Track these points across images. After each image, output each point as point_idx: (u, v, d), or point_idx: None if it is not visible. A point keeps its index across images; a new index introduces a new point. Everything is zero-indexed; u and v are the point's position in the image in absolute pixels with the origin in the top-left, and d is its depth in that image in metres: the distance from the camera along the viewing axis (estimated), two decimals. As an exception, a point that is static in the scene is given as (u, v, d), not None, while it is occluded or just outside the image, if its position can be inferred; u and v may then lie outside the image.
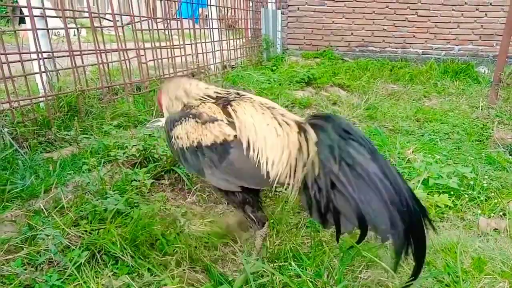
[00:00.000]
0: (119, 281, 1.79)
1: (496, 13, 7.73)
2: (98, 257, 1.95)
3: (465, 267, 1.83)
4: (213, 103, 1.93)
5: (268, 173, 1.73)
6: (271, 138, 1.76)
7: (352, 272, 1.82)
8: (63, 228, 2.06)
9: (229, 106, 1.89)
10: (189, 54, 5.67)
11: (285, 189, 1.74)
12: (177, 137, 1.88)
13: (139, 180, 2.62)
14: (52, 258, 1.88)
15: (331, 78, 6.74)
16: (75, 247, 1.97)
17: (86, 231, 2.08)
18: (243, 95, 2.02)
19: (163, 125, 2.07)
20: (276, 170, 1.73)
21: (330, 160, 1.58)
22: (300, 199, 1.73)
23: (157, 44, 5.07)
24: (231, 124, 1.81)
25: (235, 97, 1.99)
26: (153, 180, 2.75)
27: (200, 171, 1.86)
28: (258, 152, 1.75)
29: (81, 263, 1.85)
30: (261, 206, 1.95)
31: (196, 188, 2.71)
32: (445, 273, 1.80)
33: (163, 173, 2.91)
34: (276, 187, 1.87)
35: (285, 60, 8.11)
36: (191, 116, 1.88)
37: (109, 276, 1.82)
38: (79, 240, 2.04)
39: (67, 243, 1.99)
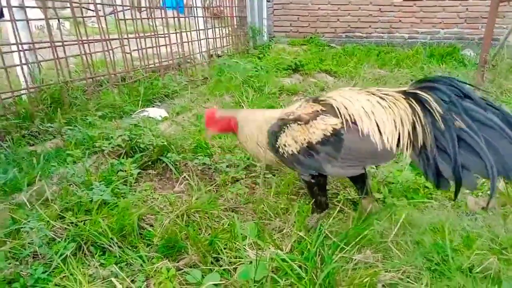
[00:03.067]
0: (107, 270, 1.76)
1: (481, -5, 7.75)
2: (85, 248, 1.92)
3: (454, 245, 1.83)
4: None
5: (386, 143, 1.75)
6: (378, 110, 1.79)
7: (343, 255, 1.81)
8: (48, 221, 2.02)
9: (321, 98, 1.96)
10: (174, 43, 5.59)
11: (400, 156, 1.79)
12: (284, 145, 1.92)
13: (125, 171, 2.58)
14: (37, 251, 1.85)
15: (318, 64, 6.71)
16: (61, 239, 1.93)
17: (72, 222, 2.05)
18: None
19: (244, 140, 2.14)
20: (393, 138, 1.75)
21: (453, 117, 1.61)
22: (416, 163, 1.75)
23: (141, 34, 4.99)
24: (330, 109, 1.85)
25: (319, 97, 2.02)
26: (140, 170, 2.72)
27: (319, 168, 1.86)
28: (370, 126, 1.77)
29: (67, 255, 1.82)
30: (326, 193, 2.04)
31: (184, 177, 2.68)
32: (435, 252, 1.81)
33: (150, 163, 2.88)
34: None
35: (271, 47, 8.05)
36: (291, 122, 1.92)
37: (96, 267, 1.79)
38: (65, 232, 2.00)
39: (52, 235, 1.95)
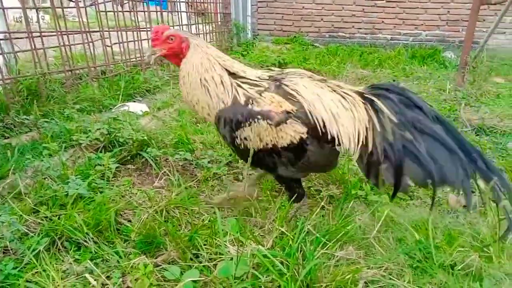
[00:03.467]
0: (81, 266, 1.69)
1: (462, -1, 7.86)
2: (59, 243, 1.85)
3: (436, 242, 1.83)
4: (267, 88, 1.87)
5: (338, 154, 1.86)
6: (343, 117, 1.80)
7: (325, 251, 1.79)
8: (21, 215, 1.94)
9: (285, 86, 1.86)
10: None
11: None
12: (245, 138, 1.82)
13: (103, 165, 2.51)
14: (7, 246, 1.77)
15: (302, 63, 6.71)
16: (34, 234, 1.86)
17: (46, 217, 1.98)
18: (286, 71, 1.99)
19: (215, 122, 1.90)
20: (353, 146, 1.79)
21: (401, 127, 1.71)
22: (358, 165, 1.87)
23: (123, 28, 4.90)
24: (300, 108, 1.80)
25: (281, 73, 1.96)
26: (119, 165, 2.65)
27: (271, 169, 1.88)
28: (334, 137, 1.79)
29: (40, 250, 1.75)
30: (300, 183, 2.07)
31: (164, 172, 2.62)
32: (417, 249, 1.80)
33: (129, 157, 2.81)
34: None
35: (255, 45, 8.03)
36: (260, 117, 1.78)
37: (70, 263, 1.72)
38: (38, 226, 1.93)
39: (25, 230, 1.88)
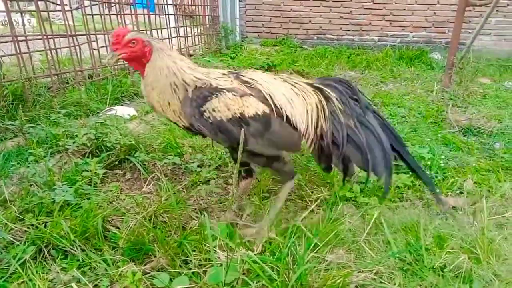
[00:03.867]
0: (68, 275, 1.66)
1: (448, 0, 7.93)
2: (46, 252, 1.82)
3: (426, 244, 1.83)
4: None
5: (299, 135, 1.96)
6: (296, 101, 1.97)
7: (315, 255, 1.78)
8: (6, 223, 1.90)
9: (243, 76, 1.98)
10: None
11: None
12: (213, 110, 1.83)
13: (90, 170, 2.47)
14: (-8, 256, 1.73)
15: (291, 65, 6.71)
16: (20, 243, 1.82)
17: (32, 225, 1.94)
18: (241, 72, 2.08)
19: (183, 105, 1.88)
20: (306, 130, 1.97)
21: (347, 116, 1.98)
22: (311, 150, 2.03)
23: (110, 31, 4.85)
24: (258, 93, 1.91)
25: (238, 72, 2.06)
26: (106, 170, 2.61)
27: (243, 141, 1.84)
28: (290, 117, 1.93)
29: (26, 259, 1.71)
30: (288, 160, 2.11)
31: (153, 177, 2.59)
32: (407, 252, 1.80)
33: (117, 162, 2.77)
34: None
35: (244, 47, 8.01)
36: (224, 90, 1.86)
37: (57, 271, 1.69)
38: (24, 235, 1.89)
39: (11, 238, 1.84)
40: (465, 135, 3.56)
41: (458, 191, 2.51)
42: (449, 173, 2.68)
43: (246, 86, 1.93)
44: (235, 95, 1.85)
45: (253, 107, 1.86)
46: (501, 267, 1.77)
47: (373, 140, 1.96)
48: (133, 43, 1.86)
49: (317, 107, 2.00)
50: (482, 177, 2.68)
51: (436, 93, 4.86)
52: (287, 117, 1.92)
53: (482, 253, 1.80)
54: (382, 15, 8.35)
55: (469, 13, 7.49)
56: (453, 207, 2.28)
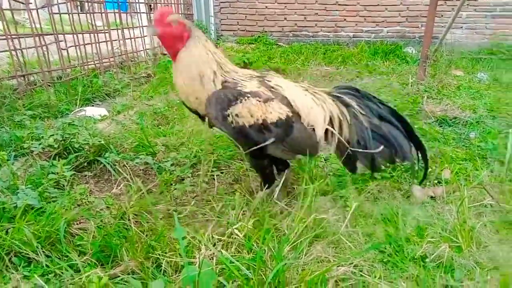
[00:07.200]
0: (30, 283, 1.55)
1: (420, -5, 8.00)
2: (7, 260, 1.70)
3: (406, 235, 1.79)
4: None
5: (319, 139, 2.04)
6: (316, 108, 2.06)
7: (294, 250, 1.71)
8: (-37, 231, 1.78)
9: (267, 81, 2.05)
10: (115, 40, 5.32)
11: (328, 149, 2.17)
12: (237, 115, 1.90)
13: (57, 173, 2.35)
14: None
15: (267, 62, 6.66)
16: (-21, 251, 1.70)
17: (-8, 232, 1.81)
18: (265, 74, 2.16)
19: (207, 106, 1.94)
20: (329, 136, 2.09)
21: (370, 116, 2.11)
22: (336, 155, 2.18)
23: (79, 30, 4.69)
24: (283, 99, 1.99)
25: (262, 74, 2.13)
26: (74, 172, 2.49)
27: (261, 147, 1.94)
28: (312, 120, 2.02)
29: (-16, 268, 1.60)
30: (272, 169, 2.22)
31: (124, 178, 2.48)
32: (387, 243, 1.75)
33: (86, 164, 2.66)
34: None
35: (220, 46, 7.92)
36: (249, 95, 1.92)
37: (18, 280, 1.58)
38: (-17, 242, 1.77)
39: (-32, 247, 1.71)
40: (441, 126, 3.56)
41: (436, 181, 2.48)
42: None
43: (270, 90, 2.00)
44: (259, 101, 1.92)
45: (276, 112, 1.93)
46: (482, 255, 1.74)
47: (396, 132, 2.11)
48: (175, 23, 1.93)
49: (339, 115, 2.10)
50: (459, 166, 2.67)
51: (411, 85, 4.87)
52: (308, 123, 2.01)
53: (463, 242, 1.77)
54: (356, 11, 8.36)
55: (442, 7, 7.57)
56: (432, 197, 2.25)
